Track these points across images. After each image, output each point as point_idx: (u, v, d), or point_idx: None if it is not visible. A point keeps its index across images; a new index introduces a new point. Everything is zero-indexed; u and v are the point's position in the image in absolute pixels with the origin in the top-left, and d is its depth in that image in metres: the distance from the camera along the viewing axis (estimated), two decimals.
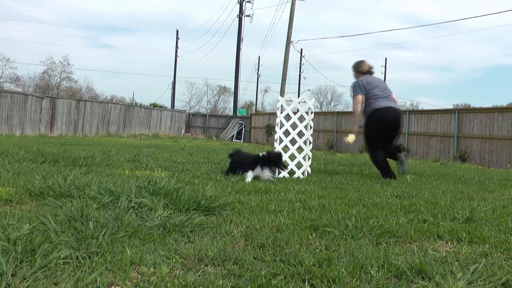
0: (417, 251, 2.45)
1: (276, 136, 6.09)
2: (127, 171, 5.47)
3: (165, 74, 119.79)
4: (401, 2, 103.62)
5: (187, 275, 1.93)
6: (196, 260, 2.15)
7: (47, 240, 2.15)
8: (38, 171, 4.87)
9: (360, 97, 5.90)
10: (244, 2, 33.25)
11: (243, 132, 28.44)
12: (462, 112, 14.51)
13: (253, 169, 5.27)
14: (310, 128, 6.30)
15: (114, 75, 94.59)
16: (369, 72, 6.18)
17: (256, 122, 27.04)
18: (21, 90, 35.36)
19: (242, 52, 32.86)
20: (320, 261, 2.15)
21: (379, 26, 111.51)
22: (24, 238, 2.19)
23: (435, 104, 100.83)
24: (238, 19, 33.00)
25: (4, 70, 49.52)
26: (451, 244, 2.66)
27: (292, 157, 6.41)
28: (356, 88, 5.96)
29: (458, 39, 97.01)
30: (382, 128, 5.85)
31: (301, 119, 6.46)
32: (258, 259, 2.19)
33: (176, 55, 47.40)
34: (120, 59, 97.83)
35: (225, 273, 1.99)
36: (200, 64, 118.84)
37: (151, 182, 3.85)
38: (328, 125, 20.39)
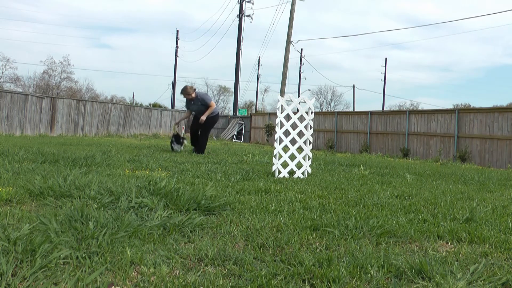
0: (417, 251, 2.45)
1: (276, 136, 6.08)
2: (127, 171, 5.47)
3: (165, 74, 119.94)
4: (401, 3, 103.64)
5: (187, 275, 1.93)
6: (196, 260, 2.15)
7: (47, 240, 2.15)
8: (38, 171, 4.87)
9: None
10: (244, 2, 33.23)
11: (243, 132, 28.39)
12: (462, 112, 14.52)
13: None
14: (310, 128, 6.30)
15: (114, 75, 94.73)
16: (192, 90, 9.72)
17: (256, 122, 27.03)
18: (21, 90, 35.35)
19: (242, 52, 32.86)
20: (320, 261, 2.15)
21: (378, 27, 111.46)
22: (24, 238, 2.19)
23: (435, 104, 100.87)
24: (238, 19, 32.98)
25: (4, 70, 49.46)
26: (451, 244, 2.66)
27: (292, 157, 6.41)
28: (210, 97, 9.92)
29: (458, 39, 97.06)
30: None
31: (301, 119, 6.45)
32: (258, 259, 2.19)
33: (176, 55, 47.43)
34: (120, 59, 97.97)
35: (225, 273, 1.99)
36: (200, 64, 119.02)
37: (151, 182, 3.85)
38: (328, 125, 20.39)
